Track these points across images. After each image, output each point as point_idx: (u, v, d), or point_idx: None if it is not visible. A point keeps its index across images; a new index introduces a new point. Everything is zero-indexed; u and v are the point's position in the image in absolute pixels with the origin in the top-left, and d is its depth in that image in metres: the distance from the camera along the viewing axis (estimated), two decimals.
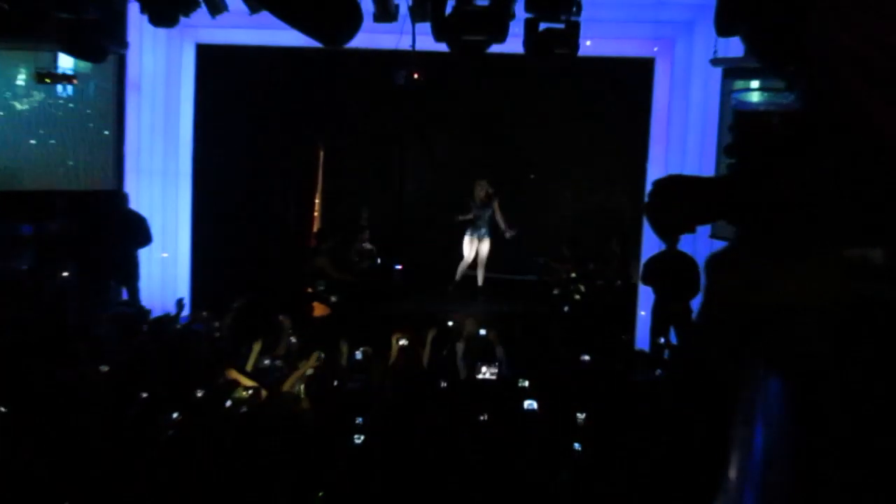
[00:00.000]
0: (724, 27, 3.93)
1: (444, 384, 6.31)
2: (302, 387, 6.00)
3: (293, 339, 7.42)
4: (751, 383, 2.24)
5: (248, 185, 11.17)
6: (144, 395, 5.80)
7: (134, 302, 10.06)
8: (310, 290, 10.75)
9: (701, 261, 8.61)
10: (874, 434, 1.85)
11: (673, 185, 2.38)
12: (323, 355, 6.43)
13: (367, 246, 11.80)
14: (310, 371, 6.32)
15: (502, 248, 11.65)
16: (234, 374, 6.13)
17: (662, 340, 8.30)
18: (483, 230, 11.32)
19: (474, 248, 11.38)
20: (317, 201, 12.06)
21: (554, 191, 12.55)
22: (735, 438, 2.11)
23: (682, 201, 2.31)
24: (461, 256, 11.49)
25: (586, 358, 7.11)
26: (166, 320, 8.39)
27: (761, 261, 2.11)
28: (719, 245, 2.57)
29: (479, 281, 11.49)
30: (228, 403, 5.66)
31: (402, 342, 6.54)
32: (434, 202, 12.38)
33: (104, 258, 10.04)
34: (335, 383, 6.04)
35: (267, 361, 6.82)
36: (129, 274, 10.19)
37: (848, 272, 1.99)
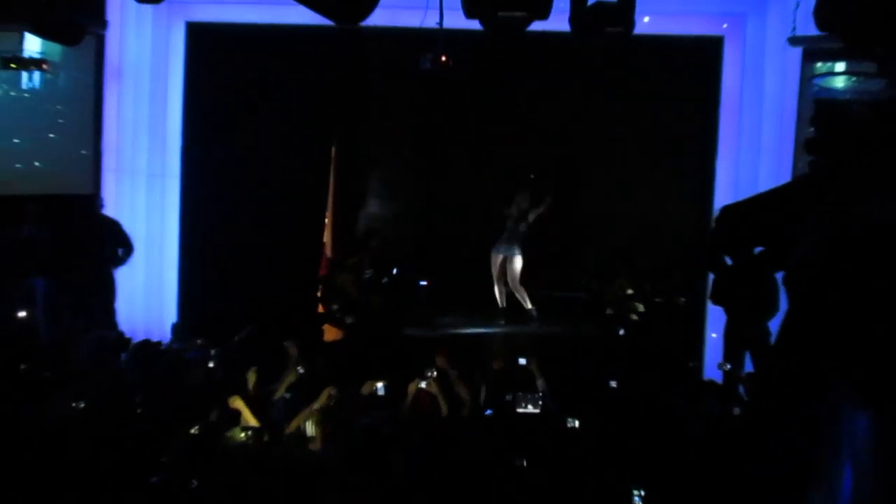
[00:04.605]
0: (825, 20, 3.92)
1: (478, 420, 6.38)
2: (309, 424, 6.06)
3: (300, 370, 7.47)
4: (838, 417, 2.27)
5: (246, 187, 11.18)
6: (127, 436, 5.87)
7: (110, 324, 10.11)
8: (321, 310, 10.82)
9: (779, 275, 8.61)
10: None
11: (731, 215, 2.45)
12: (335, 392, 6.47)
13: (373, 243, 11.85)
14: (317, 406, 6.37)
15: (547, 262, 11.67)
16: (238, 404, 6.19)
17: (729, 367, 8.29)
18: (510, 246, 11.23)
19: (499, 267, 11.34)
20: (329, 207, 12.12)
21: (606, 195, 12.53)
22: (820, 478, 2.13)
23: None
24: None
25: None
26: (153, 347, 8.47)
27: None
28: None
29: (524, 303, 11.44)
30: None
31: (422, 384, 6.58)
32: (466, 207, 12.42)
33: (76, 273, 10.12)
34: (355, 420, 6.10)
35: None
36: (105, 291, 10.26)
37: None
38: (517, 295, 11.36)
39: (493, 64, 11.18)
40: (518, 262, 11.20)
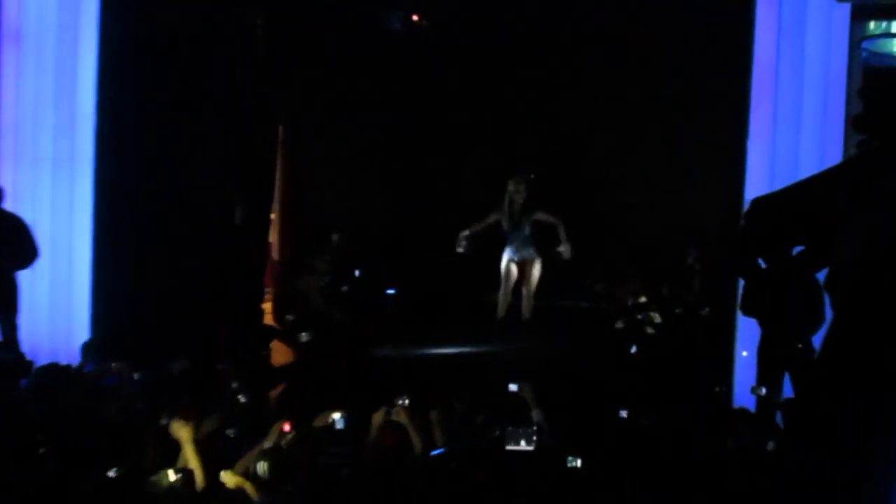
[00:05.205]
0: None
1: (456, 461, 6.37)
2: (262, 466, 6.05)
3: (241, 399, 7.46)
4: (891, 449, 2.29)
5: (174, 175, 11.09)
6: (28, 480, 5.84)
7: (11, 343, 10.05)
8: (271, 323, 10.80)
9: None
10: None
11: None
12: (288, 427, 6.46)
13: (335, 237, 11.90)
14: (268, 445, 6.37)
15: (545, 265, 11.70)
16: (182, 434, 6.15)
17: (764, 391, 8.33)
18: (526, 250, 11.45)
19: (514, 273, 11.54)
20: (276, 199, 12.08)
21: (613, 184, 12.56)
22: None
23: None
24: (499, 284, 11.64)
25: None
26: (60, 372, 8.43)
27: None
28: None
29: (524, 314, 11.62)
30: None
31: (390, 414, 6.60)
32: (445, 200, 12.41)
33: None
34: (308, 459, 6.09)
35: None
36: (5, 302, 10.19)
37: None
38: (525, 303, 11.51)
39: (479, 25, 11.17)
40: (539, 267, 11.41)
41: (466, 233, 11.53)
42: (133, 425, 6.96)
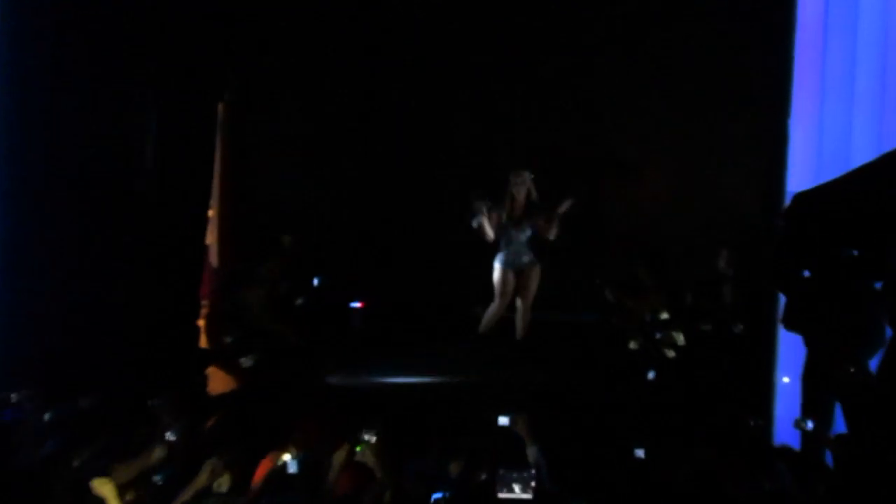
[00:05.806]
0: None
1: None
2: None
3: (171, 437, 7.46)
4: None
5: (90, 168, 11.05)
6: None
7: None
8: (209, 345, 10.81)
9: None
10: None
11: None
12: (222, 466, 6.48)
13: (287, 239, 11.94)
14: (196, 489, 6.38)
15: (547, 272, 11.75)
16: (106, 490, 6.17)
17: (811, 425, 8.34)
18: (524, 256, 11.55)
19: (511, 284, 11.63)
20: (215, 194, 12.08)
21: (628, 174, 12.59)
22: None
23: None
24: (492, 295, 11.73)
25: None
26: None
27: None
28: None
29: (519, 331, 11.73)
30: None
31: (355, 454, 6.64)
32: (423, 194, 12.43)
33: None
34: None
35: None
36: None
37: None
38: (520, 317, 11.60)
39: None
40: (538, 275, 11.53)
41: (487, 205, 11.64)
42: (41, 469, 6.95)
